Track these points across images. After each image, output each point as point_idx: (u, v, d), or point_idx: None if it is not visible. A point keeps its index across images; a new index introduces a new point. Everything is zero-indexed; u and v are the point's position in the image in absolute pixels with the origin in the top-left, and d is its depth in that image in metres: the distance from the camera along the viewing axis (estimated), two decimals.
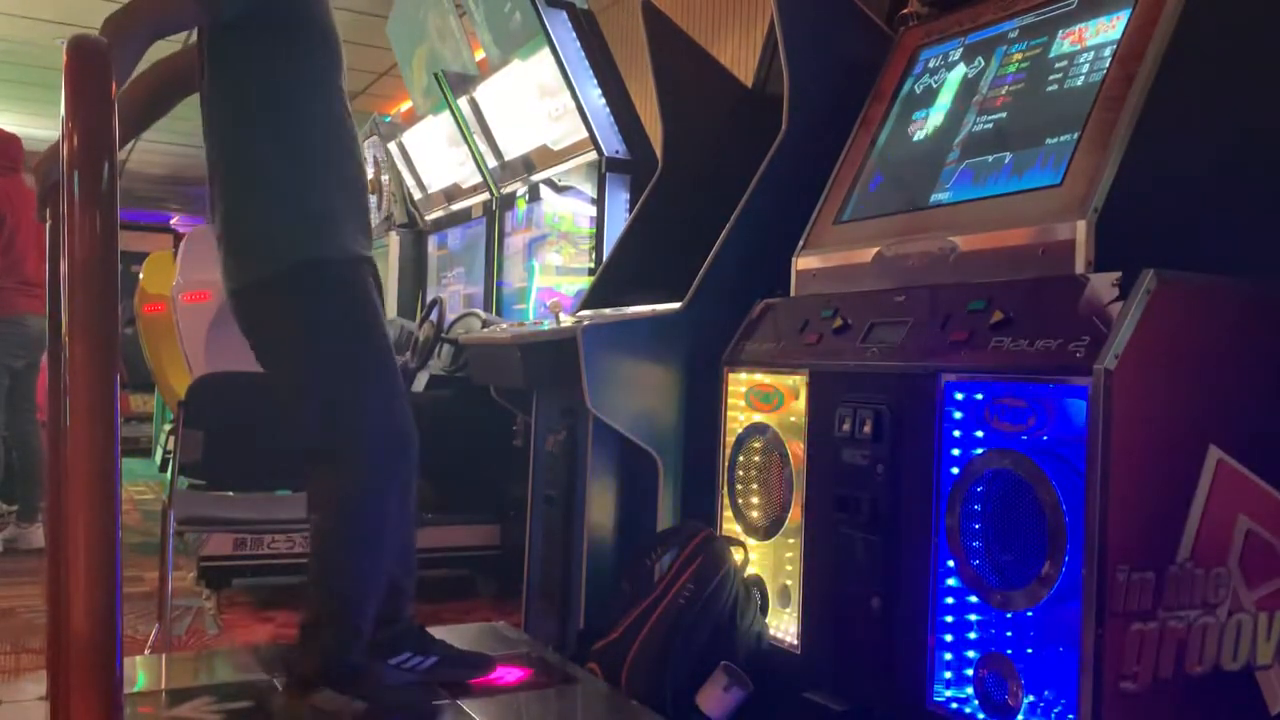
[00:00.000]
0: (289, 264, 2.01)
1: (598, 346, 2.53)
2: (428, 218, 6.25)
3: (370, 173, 6.83)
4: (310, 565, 2.08)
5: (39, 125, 8.69)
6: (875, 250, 2.21)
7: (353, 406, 2.05)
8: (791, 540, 2.26)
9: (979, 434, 1.80)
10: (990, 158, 2.10)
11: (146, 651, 3.02)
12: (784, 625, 2.28)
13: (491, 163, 5.12)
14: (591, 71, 4.08)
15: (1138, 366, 1.59)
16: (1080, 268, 1.76)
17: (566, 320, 2.90)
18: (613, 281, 3.17)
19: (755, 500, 2.38)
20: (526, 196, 4.85)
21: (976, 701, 1.77)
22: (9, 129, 5.02)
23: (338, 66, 2.11)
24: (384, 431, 2.07)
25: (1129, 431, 1.60)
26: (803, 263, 2.41)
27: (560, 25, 4.09)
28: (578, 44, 4.09)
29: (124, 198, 1.25)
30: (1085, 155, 1.85)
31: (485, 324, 4.29)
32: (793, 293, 2.42)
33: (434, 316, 4.48)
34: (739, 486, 2.41)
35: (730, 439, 2.43)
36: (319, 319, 2.05)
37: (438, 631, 2.36)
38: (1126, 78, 1.86)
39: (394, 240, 6.48)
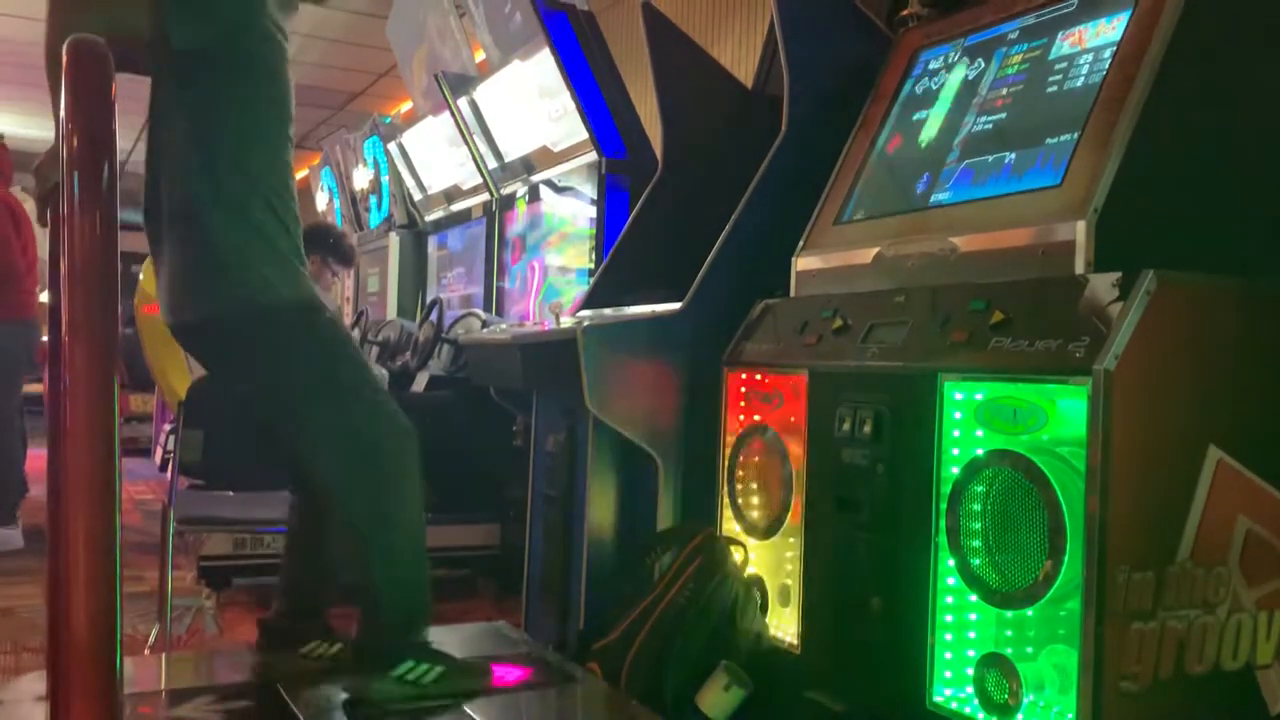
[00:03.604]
0: (267, 302, 2.03)
1: (598, 346, 2.53)
2: (428, 218, 6.25)
3: (370, 174, 6.84)
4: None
5: (39, 125, 8.69)
6: (875, 251, 2.21)
7: (358, 424, 2.09)
8: (791, 540, 2.25)
9: (979, 434, 1.80)
10: (990, 158, 2.10)
11: (146, 651, 3.03)
12: (784, 625, 2.28)
13: (491, 163, 5.12)
14: (591, 72, 4.08)
15: (1138, 366, 1.59)
16: (1080, 268, 1.76)
17: (566, 320, 2.90)
18: (613, 281, 3.17)
19: (755, 500, 2.38)
20: (526, 197, 4.86)
21: (976, 701, 1.77)
22: (9, 129, 5.02)
23: (291, 120, 2.18)
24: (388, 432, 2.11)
25: (1129, 431, 1.60)
26: (803, 263, 2.41)
27: (560, 26, 4.09)
28: (578, 45, 4.09)
29: (124, 198, 1.25)
30: (1085, 155, 1.85)
31: (485, 324, 4.30)
32: (793, 293, 2.42)
33: (434, 317, 4.49)
34: (739, 486, 2.41)
35: (730, 439, 2.43)
36: (300, 357, 2.09)
37: (438, 632, 2.35)
38: (1126, 79, 1.86)
39: (394, 240, 6.48)
